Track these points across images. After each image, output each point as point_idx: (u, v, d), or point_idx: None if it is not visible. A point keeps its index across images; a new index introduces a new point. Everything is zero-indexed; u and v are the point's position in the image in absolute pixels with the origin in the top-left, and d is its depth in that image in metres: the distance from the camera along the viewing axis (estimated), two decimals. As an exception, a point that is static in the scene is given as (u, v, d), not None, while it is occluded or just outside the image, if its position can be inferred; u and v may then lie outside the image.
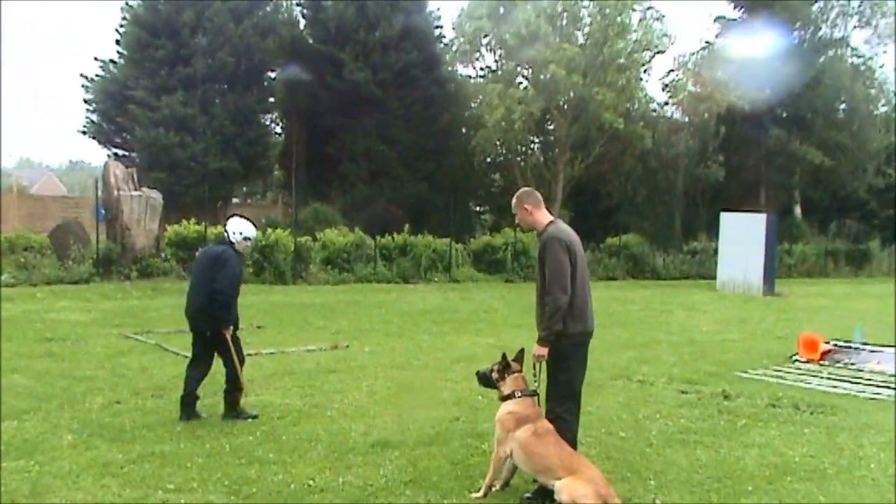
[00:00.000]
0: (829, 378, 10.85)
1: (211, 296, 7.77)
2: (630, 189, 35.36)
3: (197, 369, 8.07)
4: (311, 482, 6.11)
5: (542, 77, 31.62)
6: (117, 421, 7.81)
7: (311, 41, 34.28)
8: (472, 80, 36.83)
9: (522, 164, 34.16)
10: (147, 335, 12.94)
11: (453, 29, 34.23)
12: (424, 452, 6.93)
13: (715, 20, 39.98)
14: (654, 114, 35.30)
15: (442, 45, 35.79)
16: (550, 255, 5.85)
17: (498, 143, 34.51)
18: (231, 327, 7.98)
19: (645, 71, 32.74)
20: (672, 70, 34.77)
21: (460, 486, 6.05)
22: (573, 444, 5.89)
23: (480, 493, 5.85)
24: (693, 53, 38.09)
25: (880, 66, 42.85)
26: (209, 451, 6.86)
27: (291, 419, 8.04)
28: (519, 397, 5.96)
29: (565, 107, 32.78)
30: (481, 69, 35.28)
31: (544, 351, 5.91)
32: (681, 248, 32.18)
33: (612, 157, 33.64)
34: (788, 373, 11.23)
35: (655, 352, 12.79)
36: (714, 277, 27.49)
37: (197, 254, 9.20)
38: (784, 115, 37.59)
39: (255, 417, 7.97)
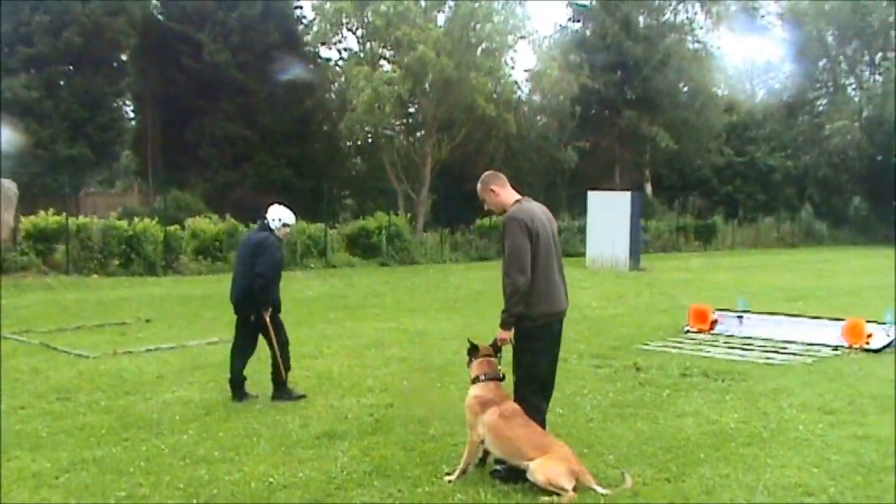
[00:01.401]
0: (725, 346, 11.43)
1: (252, 279, 7.99)
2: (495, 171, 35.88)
3: (241, 352, 8.38)
4: (270, 479, 5.86)
5: (405, 59, 31.52)
6: (29, 427, 7.24)
7: (164, 20, 32.77)
8: (331, 63, 36.43)
9: (389, 147, 33.99)
10: (27, 335, 12.08)
11: (314, 10, 33.67)
12: (373, 442, 6.79)
13: (568, 4, 41.17)
14: (516, 96, 35.98)
15: (302, 27, 35.13)
16: (508, 236, 5.74)
17: (358, 126, 34.19)
18: (271, 310, 8.21)
19: (511, 57, 33.37)
20: (536, 56, 35.43)
21: (427, 473, 5.94)
22: (542, 426, 5.90)
23: (454, 476, 5.78)
24: (546, 37, 39.08)
25: (717, 48, 45.54)
26: (146, 455, 6.47)
27: (220, 415, 7.70)
28: (482, 381, 5.91)
29: (427, 88, 32.87)
30: (343, 50, 34.89)
31: (507, 335, 5.85)
32: (546, 228, 33.02)
33: (477, 139, 34.06)
34: (685, 343, 11.74)
35: (555, 329, 13.02)
36: (579, 255, 28.46)
37: (241, 240, 9.32)
38: (634, 97, 39.18)
39: (303, 397, 8.24)
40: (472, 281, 21.02)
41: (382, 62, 33.33)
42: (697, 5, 43.08)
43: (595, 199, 26.57)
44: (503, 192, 6.04)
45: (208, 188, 31.68)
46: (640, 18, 40.92)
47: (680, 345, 11.61)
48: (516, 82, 35.41)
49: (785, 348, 11.25)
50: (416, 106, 34.44)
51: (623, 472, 5.72)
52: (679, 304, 16.19)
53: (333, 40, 33.79)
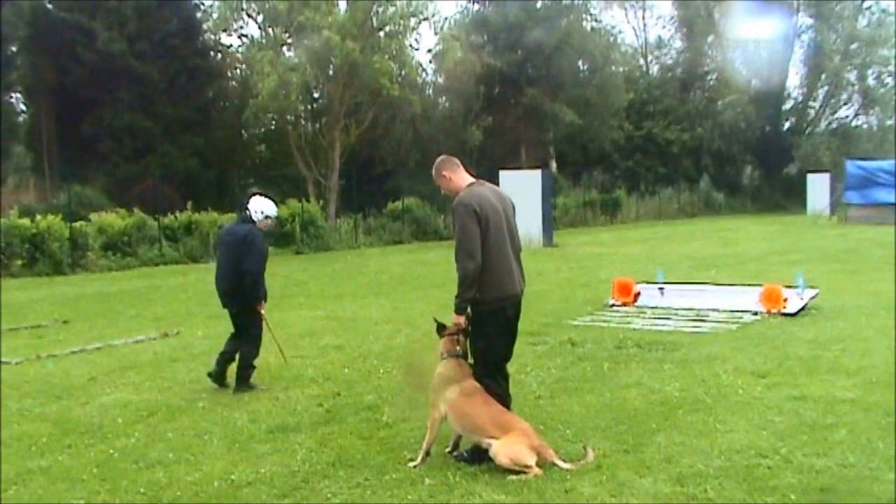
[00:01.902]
0: (652, 318, 11.77)
1: (240, 275, 8.10)
2: (403, 154, 35.85)
3: (235, 339, 8.55)
4: (231, 477, 5.76)
5: (306, 42, 30.96)
6: (-39, 439, 6.93)
7: (54, 10, 31.35)
8: (231, 49, 35.66)
9: (296, 133, 33.45)
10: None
11: (213, -5, 32.82)
12: (328, 432, 6.75)
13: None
14: (420, 79, 35.93)
15: (201, 13, 34.21)
16: (457, 222, 5.75)
17: (263, 113, 33.51)
18: (262, 303, 8.40)
19: (416, 39, 33.27)
20: (438, 37, 35.11)
21: (390, 460, 5.94)
22: (504, 405, 5.94)
23: (418, 460, 5.82)
24: (447, 18, 39.06)
25: (613, 27, 46.62)
26: (97, 460, 6.27)
27: (164, 415, 7.51)
28: (445, 359, 5.96)
29: (332, 73, 32.49)
30: (242, 36, 34.10)
31: (460, 319, 5.87)
32: (456, 208, 33.20)
33: (384, 123, 33.90)
34: (612, 316, 12.03)
35: (484, 309, 13.16)
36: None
37: (220, 233, 9.35)
38: (536, 75, 39.64)
39: (262, 389, 8.27)
40: (392, 265, 21.02)
41: (284, 48, 32.77)
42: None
43: (506, 177, 26.76)
44: (455, 177, 6.02)
45: (110, 182, 30.57)
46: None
47: (608, 318, 11.89)
48: (420, 64, 35.35)
49: (708, 316, 11.66)
50: (321, 91, 33.99)
51: (585, 446, 5.83)
52: (598, 278, 16.59)
53: (234, 26, 33.03)
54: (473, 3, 40.56)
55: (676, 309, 12.27)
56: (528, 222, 25.37)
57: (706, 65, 56.93)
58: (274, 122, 34.36)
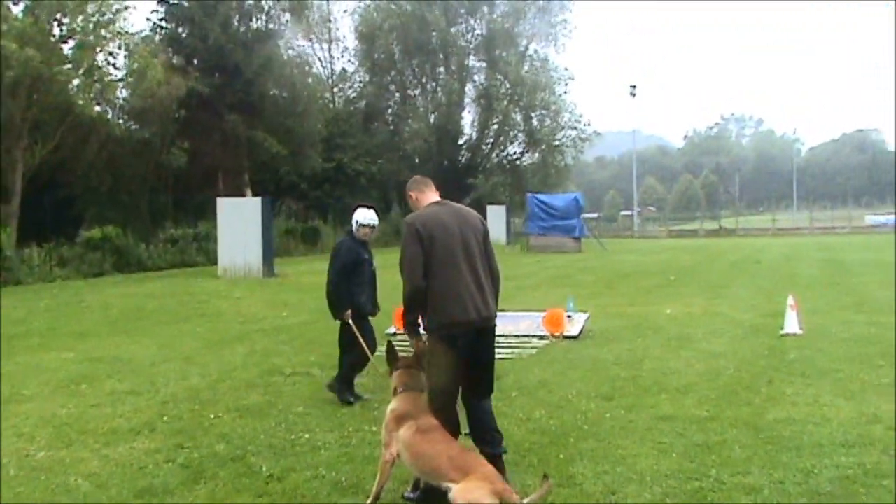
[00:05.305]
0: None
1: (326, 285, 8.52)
2: (94, 177, 32.75)
3: (345, 353, 8.78)
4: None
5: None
6: None
7: None
8: None
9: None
10: None
11: None
12: (211, 492, 5.84)
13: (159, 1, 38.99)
14: (117, 99, 33.18)
15: None
16: (402, 242, 5.54)
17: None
18: (348, 313, 8.40)
19: (112, 54, 30.62)
20: (132, 56, 32.31)
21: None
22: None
23: (370, 501, 5.29)
24: (137, 33, 36.53)
25: (309, 57, 46.89)
26: None
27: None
28: (401, 392, 5.51)
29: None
30: None
31: (418, 344, 5.71)
32: (157, 237, 31.03)
33: (72, 143, 30.75)
34: (405, 345, 11.77)
35: (263, 344, 12.45)
36: (200, 265, 27.37)
37: None
38: (236, 101, 38.50)
39: (350, 404, 8.35)
40: (114, 299, 18.93)
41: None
42: (287, 15, 43.64)
43: (225, 205, 25.59)
44: (421, 197, 5.86)
45: None
46: (235, 23, 40.22)
47: (405, 347, 11.61)
48: (114, 81, 32.41)
49: (498, 342, 11.82)
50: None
51: (545, 474, 5.55)
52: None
53: None
54: (166, 21, 38.30)
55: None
56: (249, 252, 24.53)
57: (388, 99, 59.16)
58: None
